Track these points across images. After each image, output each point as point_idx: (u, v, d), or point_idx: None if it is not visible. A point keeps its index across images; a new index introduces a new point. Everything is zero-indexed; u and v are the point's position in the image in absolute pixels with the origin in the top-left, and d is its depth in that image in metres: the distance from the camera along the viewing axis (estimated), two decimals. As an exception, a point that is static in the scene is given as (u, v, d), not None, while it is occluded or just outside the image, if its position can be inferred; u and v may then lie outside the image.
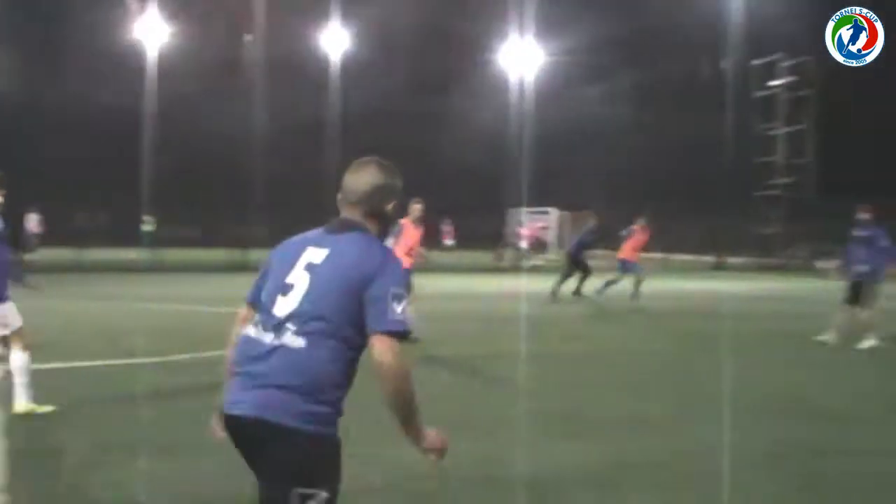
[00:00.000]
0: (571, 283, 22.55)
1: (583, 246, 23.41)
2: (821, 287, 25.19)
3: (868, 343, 14.14)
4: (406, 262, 12.00)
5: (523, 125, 44.96)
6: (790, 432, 8.33)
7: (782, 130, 47.70)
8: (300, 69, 49.47)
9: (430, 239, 45.48)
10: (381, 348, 3.36)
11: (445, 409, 7.04)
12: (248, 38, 41.21)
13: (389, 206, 3.72)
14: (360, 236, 3.60)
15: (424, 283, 14.11)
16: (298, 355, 3.41)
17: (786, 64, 46.98)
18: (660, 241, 43.83)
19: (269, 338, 3.47)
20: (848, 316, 14.51)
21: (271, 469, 3.41)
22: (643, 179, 52.97)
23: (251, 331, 3.57)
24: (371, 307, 3.41)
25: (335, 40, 53.19)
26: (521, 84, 45.90)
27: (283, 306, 3.49)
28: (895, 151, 39.27)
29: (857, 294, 14.39)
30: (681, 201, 49.12)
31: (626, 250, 22.52)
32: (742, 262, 42.42)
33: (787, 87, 47.35)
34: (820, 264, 14.63)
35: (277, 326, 3.47)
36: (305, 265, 3.54)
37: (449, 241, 47.16)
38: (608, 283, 21.62)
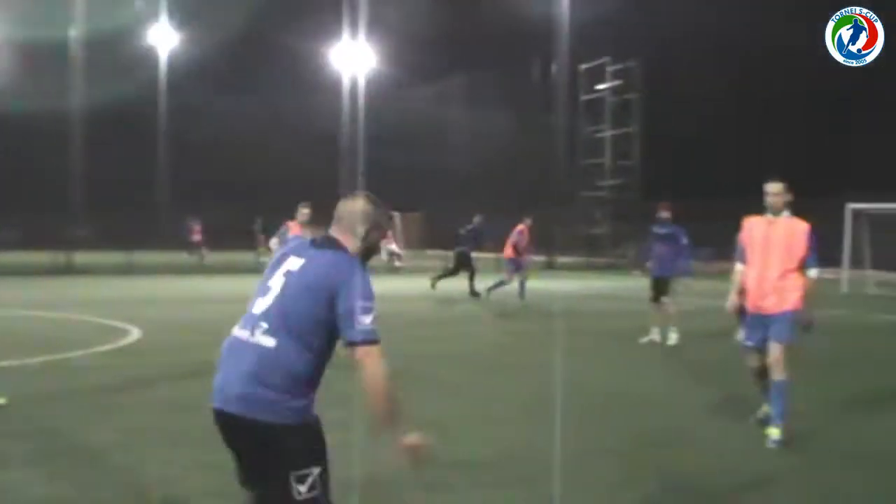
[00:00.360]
0: (452, 282, 23.53)
1: (472, 243, 24.14)
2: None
3: (674, 339, 14.50)
4: None
5: (356, 126, 44.76)
6: (619, 427, 8.50)
7: (609, 133, 48.90)
8: (128, 64, 48.22)
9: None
10: (359, 356, 3.76)
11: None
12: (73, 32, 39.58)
13: (372, 234, 4.17)
14: (335, 253, 4.01)
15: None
16: (270, 353, 3.81)
17: (613, 68, 48.19)
18: (492, 241, 44.45)
19: (245, 334, 3.92)
20: (657, 313, 14.85)
21: (263, 460, 3.82)
22: (473, 180, 53.53)
23: (235, 328, 4.01)
24: (343, 321, 3.80)
25: (164, 36, 52.04)
26: (354, 85, 45.65)
27: (260, 305, 3.94)
28: (714, 155, 40.80)
29: (659, 290, 14.72)
30: (511, 201, 49.81)
31: (511, 250, 22.67)
32: (572, 262, 43.24)
33: (613, 90, 48.57)
34: (649, 263, 15.19)
35: (253, 324, 3.91)
36: (285, 271, 3.99)
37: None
38: (498, 285, 22.09)
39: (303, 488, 3.78)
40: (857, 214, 29.16)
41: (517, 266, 22.45)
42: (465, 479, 6.73)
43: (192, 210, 40.84)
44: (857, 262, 30.08)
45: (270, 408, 3.74)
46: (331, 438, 3.95)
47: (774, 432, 7.69)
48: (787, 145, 38.99)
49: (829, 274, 31.13)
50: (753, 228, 8.18)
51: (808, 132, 38.75)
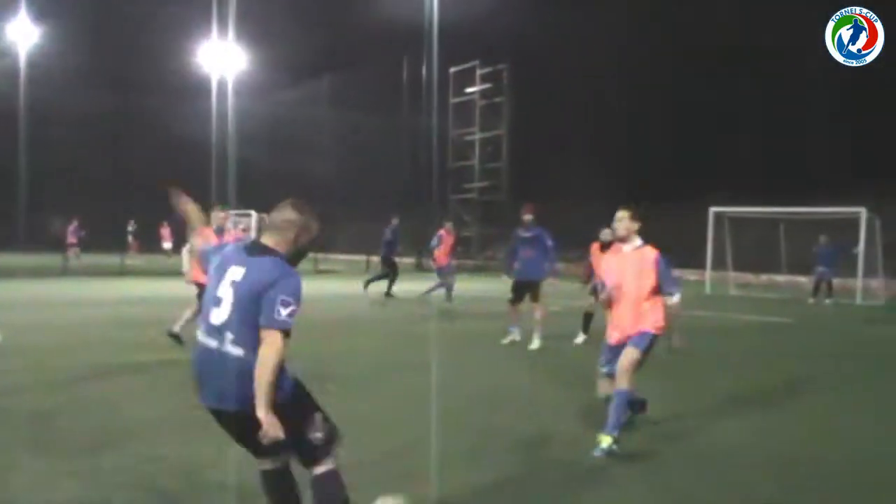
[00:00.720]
0: (383, 285, 24.51)
1: (392, 246, 25.45)
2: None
3: (537, 343, 14.61)
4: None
5: (225, 127, 44.19)
6: (491, 426, 8.71)
7: (478, 136, 49.30)
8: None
9: (154, 244, 44.00)
10: (267, 340, 4.30)
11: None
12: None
13: (302, 238, 4.67)
14: (270, 259, 4.52)
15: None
16: (240, 362, 4.36)
17: (482, 71, 48.60)
18: (361, 243, 44.45)
19: (214, 343, 4.44)
20: (515, 313, 14.99)
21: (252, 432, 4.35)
22: (342, 182, 53.42)
23: (199, 335, 4.55)
24: (264, 308, 4.33)
25: (24, 31, 50.59)
26: (223, 87, 45.06)
27: (218, 316, 4.43)
28: (582, 157, 41.46)
29: (522, 293, 14.84)
30: (380, 204, 49.91)
31: (440, 256, 23.20)
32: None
33: (482, 93, 48.99)
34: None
35: (217, 333, 4.43)
36: (230, 281, 4.45)
37: (167, 245, 45.63)
38: (435, 288, 23.08)
39: (319, 434, 4.64)
40: (718, 217, 30.13)
41: (444, 271, 23.25)
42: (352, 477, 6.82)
43: (56, 211, 39.89)
44: (719, 264, 31.07)
45: (239, 399, 4.39)
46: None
47: (606, 440, 7.64)
48: (653, 149, 39.92)
49: (694, 276, 32.20)
50: (609, 262, 8.25)
51: (674, 136, 39.70)
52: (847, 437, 8.82)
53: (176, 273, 32.24)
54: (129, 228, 44.19)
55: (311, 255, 34.61)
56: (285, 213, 4.68)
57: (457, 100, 50.08)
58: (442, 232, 23.42)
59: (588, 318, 15.64)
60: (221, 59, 46.08)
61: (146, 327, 15.87)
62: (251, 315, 4.36)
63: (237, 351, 4.37)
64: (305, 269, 30.64)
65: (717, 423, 9.22)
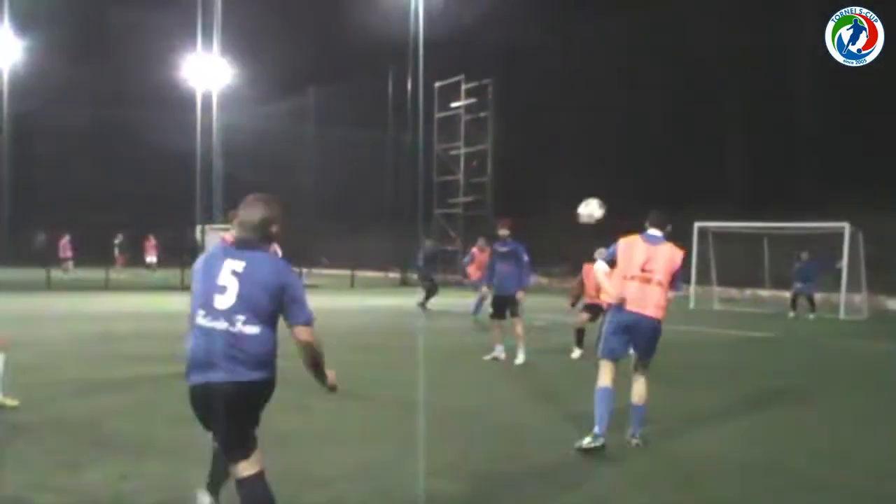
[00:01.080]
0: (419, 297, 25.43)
1: (430, 264, 26.48)
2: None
3: (522, 358, 14.62)
4: None
5: (210, 141, 44.13)
6: (470, 444, 8.68)
7: (463, 151, 49.35)
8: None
9: (140, 258, 43.82)
10: (306, 332, 5.04)
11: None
12: None
13: (274, 228, 5.21)
14: (263, 254, 5.10)
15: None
16: (257, 339, 4.92)
17: (467, 86, 48.67)
18: (347, 257, 44.46)
19: (223, 325, 4.89)
20: (499, 330, 14.97)
21: (254, 410, 5.08)
22: (327, 196, 53.46)
23: (203, 322, 4.95)
24: (293, 306, 5.00)
25: (6, 47, 50.52)
26: (208, 101, 45.00)
27: (223, 302, 4.92)
28: (566, 172, 41.55)
29: (502, 308, 14.84)
30: (366, 218, 49.99)
31: (473, 272, 24.03)
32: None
33: (467, 108, 49.05)
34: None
35: (226, 317, 4.90)
36: (231, 272, 4.95)
37: (151, 259, 45.54)
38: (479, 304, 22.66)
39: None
40: (702, 232, 30.18)
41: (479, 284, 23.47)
42: (320, 497, 6.82)
43: (41, 225, 39.91)
44: (703, 279, 31.10)
45: (262, 371, 4.98)
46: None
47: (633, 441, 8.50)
48: (638, 163, 40.02)
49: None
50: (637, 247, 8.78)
51: (659, 150, 39.82)
52: (825, 447, 8.90)
53: (160, 288, 32.28)
54: (116, 242, 44.08)
55: (295, 269, 34.63)
56: (258, 211, 5.18)
57: (442, 114, 50.12)
58: (475, 250, 24.00)
59: (580, 333, 15.70)
60: (206, 72, 45.99)
61: (129, 342, 15.83)
62: (261, 303, 4.93)
63: (253, 330, 4.91)
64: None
65: (697, 433, 9.30)
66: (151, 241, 45.76)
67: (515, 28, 45.23)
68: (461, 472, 7.56)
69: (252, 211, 5.19)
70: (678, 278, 8.68)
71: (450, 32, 45.10)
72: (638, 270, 8.57)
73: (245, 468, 5.04)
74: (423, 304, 25.30)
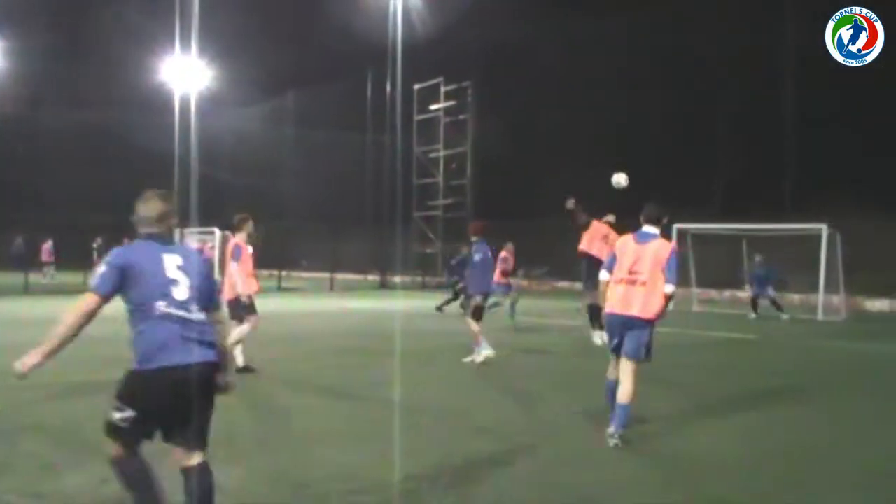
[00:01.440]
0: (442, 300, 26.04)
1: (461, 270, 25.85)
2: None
3: (482, 355, 14.67)
4: None
5: (188, 144, 43.87)
6: (454, 446, 8.65)
7: (442, 153, 49.34)
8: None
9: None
10: (222, 315, 5.60)
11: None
12: None
13: (173, 222, 5.47)
14: (181, 245, 5.57)
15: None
16: (206, 325, 5.31)
17: (446, 88, 48.66)
18: (326, 259, 44.36)
19: (183, 313, 5.20)
20: (477, 329, 14.87)
21: (206, 396, 5.28)
22: (307, 199, 53.31)
23: (166, 308, 5.16)
24: (212, 294, 5.51)
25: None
26: (187, 103, 44.74)
27: (180, 293, 5.22)
28: (543, 174, 41.60)
29: (479, 309, 14.89)
30: (345, 221, 49.89)
31: (500, 275, 23.76)
32: (405, 281, 43.49)
33: (446, 110, 49.03)
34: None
35: (184, 306, 5.22)
36: (176, 266, 5.28)
37: None
38: (512, 307, 23.62)
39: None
40: (682, 234, 30.25)
41: (507, 288, 23.90)
42: (301, 499, 6.80)
43: (19, 229, 39.70)
44: (683, 281, 31.17)
45: (216, 352, 5.35)
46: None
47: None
48: (616, 166, 40.06)
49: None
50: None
51: (637, 153, 39.90)
52: (807, 447, 8.89)
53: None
54: (95, 245, 43.83)
55: (274, 272, 34.46)
56: (160, 206, 5.45)
57: (421, 117, 50.12)
58: (504, 253, 24.13)
59: (595, 310, 15.75)
60: (185, 75, 45.76)
61: (108, 345, 15.72)
62: (202, 291, 5.34)
63: (201, 316, 5.31)
64: (269, 286, 30.66)
65: (680, 434, 9.33)
66: (124, 244, 45.64)
67: (494, 31, 45.28)
68: (443, 474, 7.53)
69: (150, 206, 5.44)
70: (669, 271, 8.70)
71: (429, 35, 45.12)
72: (626, 273, 8.83)
73: (199, 456, 5.26)
74: (441, 308, 25.91)
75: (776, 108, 37.60)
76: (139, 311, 5.18)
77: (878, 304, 32.21)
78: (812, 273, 28.04)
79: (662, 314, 8.83)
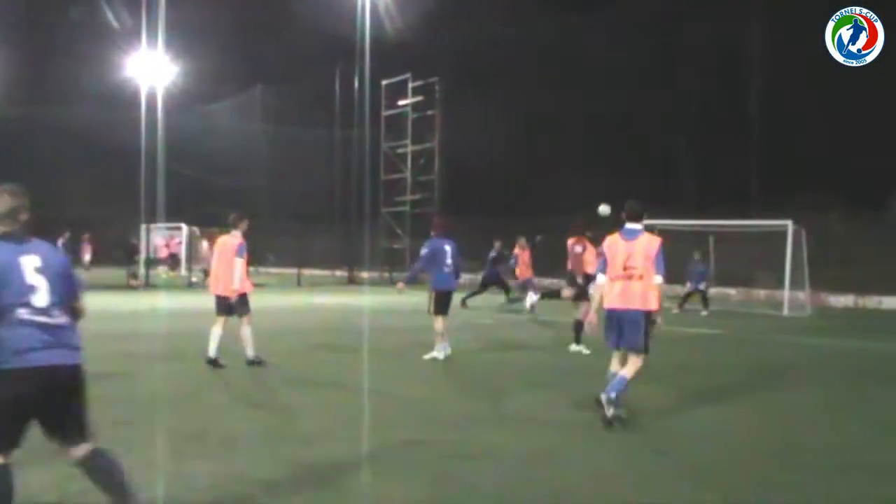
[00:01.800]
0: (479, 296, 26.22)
1: (502, 264, 26.66)
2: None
3: (442, 354, 14.72)
4: None
5: (155, 140, 43.47)
6: (421, 437, 8.71)
7: (410, 149, 49.24)
8: None
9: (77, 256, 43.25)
10: (86, 305, 5.61)
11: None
12: None
13: (23, 217, 5.39)
14: (38, 241, 5.44)
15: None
16: (69, 328, 5.36)
17: (414, 84, 48.56)
18: (293, 256, 44.21)
19: (44, 319, 5.20)
20: (440, 328, 14.84)
21: (76, 396, 5.41)
22: (273, 195, 53.10)
23: (25, 314, 5.15)
24: (74, 289, 5.50)
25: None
26: (153, 98, 44.30)
27: (41, 300, 5.21)
28: (510, 172, 41.74)
29: (443, 305, 14.87)
30: (313, 217, 49.73)
31: (522, 270, 24.79)
32: (373, 277, 43.42)
33: (414, 106, 48.93)
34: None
35: (45, 312, 5.21)
36: (34, 269, 5.24)
37: (87, 257, 44.97)
38: (513, 300, 24.68)
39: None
40: (649, 229, 30.31)
41: (526, 285, 24.66)
42: (269, 499, 6.77)
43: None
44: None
45: (78, 356, 5.40)
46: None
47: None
48: (584, 161, 40.24)
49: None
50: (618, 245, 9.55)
51: (605, 148, 40.07)
52: (774, 441, 8.95)
53: (95, 286, 31.82)
54: (60, 242, 43.46)
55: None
56: (8, 201, 5.39)
57: (389, 112, 49.96)
58: (517, 251, 24.11)
59: (579, 326, 15.74)
60: (151, 70, 45.33)
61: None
62: (64, 293, 5.35)
63: (64, 320, 5.33)
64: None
65: (652, 430, 9.36)
66: (87, 239, 45.39)
67: (462, 27, 45.30)
68: (414, 470, 7.54)
69: (3, 202, 5.38)
70: (657, 263, 9.30)
71: (397, 31, 45.03)
72: (621, 270, 9.27)
73: (85, 447, 5.44)
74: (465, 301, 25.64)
75: (743, 106, 37.84)
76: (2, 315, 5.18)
77: (842, 300, 32.48)
78: (778, 269, 28.25)
79: (659, 306, 9.28)
